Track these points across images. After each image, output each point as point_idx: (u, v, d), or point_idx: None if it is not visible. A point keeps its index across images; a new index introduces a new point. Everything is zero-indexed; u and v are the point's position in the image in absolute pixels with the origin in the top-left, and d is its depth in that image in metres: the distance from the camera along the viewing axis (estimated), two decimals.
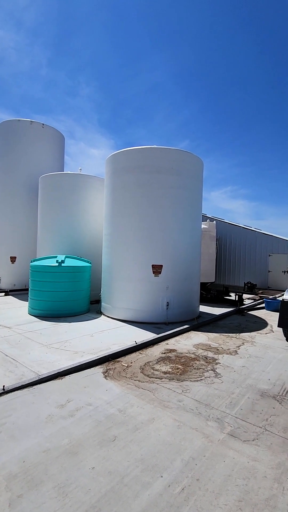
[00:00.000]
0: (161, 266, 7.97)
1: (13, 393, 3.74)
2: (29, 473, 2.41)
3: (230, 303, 11.24)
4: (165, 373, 4.56)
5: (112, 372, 4.51)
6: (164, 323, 7.80)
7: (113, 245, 8.61)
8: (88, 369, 4.58)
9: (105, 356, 4.97)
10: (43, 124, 13.61)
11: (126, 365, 4.83)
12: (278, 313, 6.53)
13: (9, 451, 2.68)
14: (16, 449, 2.71)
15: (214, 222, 14.50)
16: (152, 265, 7.95)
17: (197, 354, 5.50)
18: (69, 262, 8.89)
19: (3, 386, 3.76)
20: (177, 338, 6.54)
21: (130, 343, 5.77)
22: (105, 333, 6.85)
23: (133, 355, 5.35)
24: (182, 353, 5.52)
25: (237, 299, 10.95)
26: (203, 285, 12.00)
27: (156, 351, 5.61)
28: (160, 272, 7.98)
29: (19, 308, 9.56)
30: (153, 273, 7.97)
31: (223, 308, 10.11)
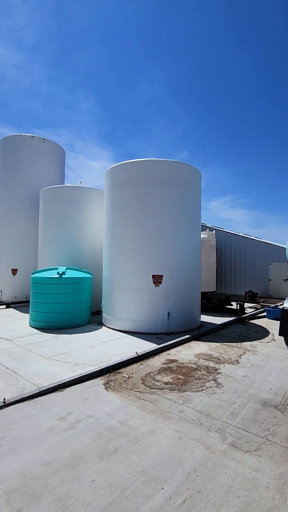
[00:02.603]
0: (161, 276, 8.01)
1: (13, 406, 3.73)
2: (29, 487, 2.40)
3: (231, 312, 11.20)
4: (166, 383, 4.54)
5: (113, 384, 4.49)
6: (165, 333, 7.78)
7: (113, 256, 8.69)
8: (89, 381, 4.56)
9: (106, 367, 4.96)
10: (43, 139, 13.93)
11: (127, 376, 4.81)
12: (279, 322, 6.52)
13: (9, 464, 2.66)
14: (16, 462, 2.69)
15: (214, 231, 14.59)
16: (152, 275, 7.99)
17: (198, 364, 5.47)
18: (70, 274, 8.95)
19: (4, 399, 3.75)
20: (178, 348, 6.51)
21: (131, 354, 5.75)
22: (106, 344, 6.84)
23: (134, 366, 5.33)
24: (183, 363, 5.50)
25: (238, 308, 10.92)
26: (204, 295, 11.98)
27: (157, 361, 5.59)
28: (160, 282, 8.01)
29: (20, 320, 9.56)
30: (154, 283, 8.01)
31: (224, 318, 10.07)
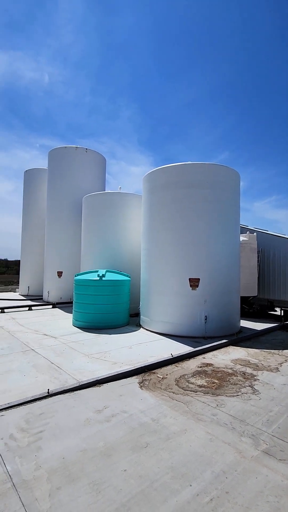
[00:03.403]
0: (198, 279, 7.98)
1: (56, 396, 4.07)
2: (68, 469, 2.64)
3: (274, 318, 10.64)
4: (200, 386, 4.54)
5: (147, 383, 4.63)
6: (202, 337, 7.71)
7: (151, 259, 8.87)
8: (125, 379, 4.76)
9: (141, 367, 5.12)
10: (86, 149, 14.77)
11: (161, 376, 4.92)
12: None
13: (51, 448, 2.95)
14: (57, 447, 2.97)
15: (255, 233, 14.01)
16: (189, 279, 8.00)
17: (234, 369, 5.36)
18: (110, 276, 9.34)
19: (48, 390, 4.12)
20: (214, 352, 6.43)
21: (166, 356, 5.85)
22: (143, 346, 7.02)
23: (169, 367, 5.41)
24: (219, 367, 5.43)
25: (282, 314, 10.34)
26: (244, 299, 11.57)
27: (192, 364, 5.60)
28: (197, 286, 7.98)
29: (64, 319, 10.22)
30: (190, 286, 8.00)
31: (266, 324, 9.63)
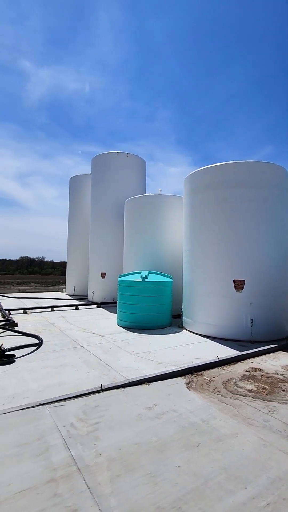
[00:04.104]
0: (243, 281, 7.77)
1: (108, 391, 4.31)
2: (124, 459, 2.82)
3: None
4: (249, 391, 4.46)
5: (194, 384, 4.67)
6: (248, 341, 7.49)
7: (193, 260, 8.86)
8: (172, 379, 4.86)
9: (187, 368, 5.17)
10: (127, 153, 15.20)
11: (208, 379, 4.92)
12: None
13: (108, 438, 3.16)
14: (113, 438, 3.17)
15: None
16: (234, 280, 7.83)
17: (286, 376, 5.14)
18: (152, 278, 9.52)
19: (101, 384, 4.38)
20: (262, 357, 6.22)
21: (212, 358, 5.82)
22: (186, 347, 7.05)
23: (215, 370, 5.38)
24: (268, 373, 5.26)
25: None
26: None
27: (239, 368, 5.50)
28: (242, 288, 7.78)
29: (109, 319, 10.64)
30: (235, 288, 7.83)
31: None
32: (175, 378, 4.89)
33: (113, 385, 4.40)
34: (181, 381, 4.81)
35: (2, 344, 6.02)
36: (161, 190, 12.65)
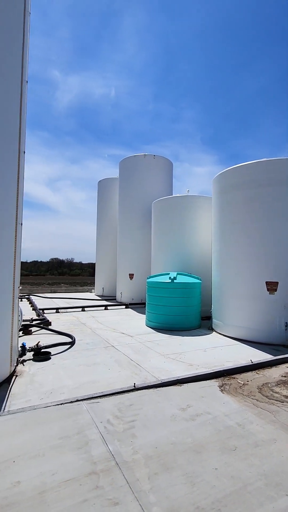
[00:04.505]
0: (277, 283, 7.51)
1: (141, 391, 4.38)
2: (161, 458, 2.86)
3: None
4: (286, 397, 4.31)
5: (228, 387, 4.60)
6: (282, 345, 7.22)
7: (222, 261, 8.71)
8: (204, 381, 4.82)
9: (220, 370, 5.11)
10: (154, 155, 15.30)
11: (242, 382, 4.82)
12: None
13: (144, 436, 3.22)
14: (149, 436, 3.23)
15: None
16: (266, 282, 7.59)
17: None
18: (181, 279, 9.49)
19: (134, 383, 4.47)
20: None
21: (244, 362, 5.69)
22: (217, 350, 6.95)
23: (249, 374, 5.25)
24: None
25: None
26: None
27: (274, 373, 5.32)
28: (275, 290, 7.52)
29: (138, 320, 10.76)
30: (268, 290, 7.59)
31: None
32: (207, 381, 4.85)
33: (146, 385, 4.46)
34: (213, 383, 4.76)
35: (39, 342, 6.33)
36: (188, 190, 12.59)
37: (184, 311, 9.15)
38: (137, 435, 3.24)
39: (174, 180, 16.49)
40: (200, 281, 9.77)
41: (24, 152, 5.52)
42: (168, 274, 9.83)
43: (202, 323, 9.79)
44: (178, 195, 12.57)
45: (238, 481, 2.58)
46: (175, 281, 9.29)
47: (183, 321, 9.08)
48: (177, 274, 9.74)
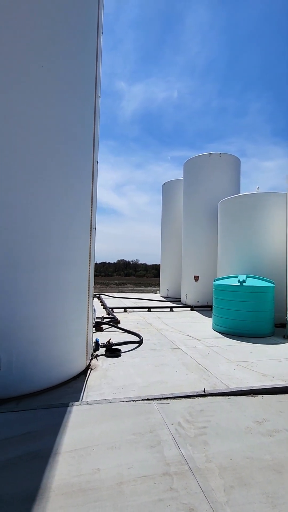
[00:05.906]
0: None
1: (211, 397, 4.25)
2: (237, 471, 2.72)
3: None
4: None
5: None
6: None
7: None
8: (282, 395, 4.43)
9: None
10: (220, 153, 14.77)
11: None
12: None
13: (216, 445, 3.12)
14: (222, 446, 3.11)
15: None
16: None
17: None
18: (250, 282, 8.92)
19: (204, 389, 4.37)
20: None
21: None
22: None
23: None
24: None
25: None
26: None
27: None
28: None
29: (204, 323, 10.50)
30: None
31: None
32: (285, 394, 4.44)
33: (217, 392, 4.32)
34: None
35: (110, 339, 6.72)
36: (258, 188, 11.76)
37: (254, 317, 8.56)
38: (210, 442, 3.15)
39: (241, 177, 15.62)
40: (273, 285, 9.02)
41: (97, 162, 5.95)
42: (237, 276, 9.34)
43: (276, 330, 9.01)
44: (246, 193, 11.86)
45: None
46: (244, 284, 8.77)
47: (254, 327, 8.50)
48: (247, 277, 9.18)
